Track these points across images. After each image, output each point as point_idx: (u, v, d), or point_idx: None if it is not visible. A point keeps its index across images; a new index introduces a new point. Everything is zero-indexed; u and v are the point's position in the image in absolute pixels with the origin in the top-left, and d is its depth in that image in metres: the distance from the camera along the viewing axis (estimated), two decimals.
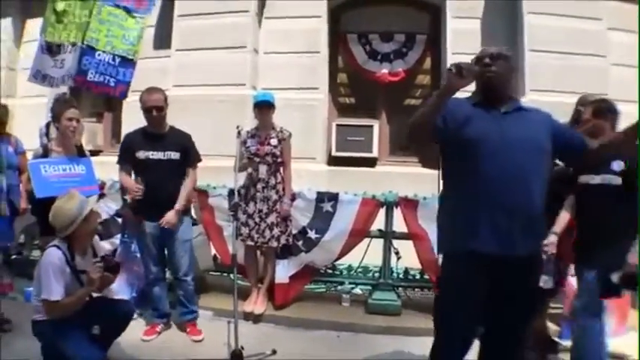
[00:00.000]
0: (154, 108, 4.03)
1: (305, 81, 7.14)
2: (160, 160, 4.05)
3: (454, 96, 2.35)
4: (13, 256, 4.89)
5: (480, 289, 2.38)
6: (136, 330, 3.53)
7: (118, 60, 5.21)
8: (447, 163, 2.56)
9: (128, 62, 5.30)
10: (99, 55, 5.11)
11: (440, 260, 2.65)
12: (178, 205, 4.03)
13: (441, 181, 2.62)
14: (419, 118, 2.43)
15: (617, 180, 3.05)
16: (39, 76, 5.35)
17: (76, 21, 5.23)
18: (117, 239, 4.67)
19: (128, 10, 5.31)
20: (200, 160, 4.32)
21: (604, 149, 2.53)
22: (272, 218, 4.45)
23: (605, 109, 3.28)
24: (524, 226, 2.30)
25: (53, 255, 3.09)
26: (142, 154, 4.05)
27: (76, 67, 5.00)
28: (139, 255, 4.32)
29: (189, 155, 4.19)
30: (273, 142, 4.49)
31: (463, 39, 6.80)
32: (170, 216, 3.99)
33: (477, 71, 2.32)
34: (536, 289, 2.52)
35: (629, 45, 6.50)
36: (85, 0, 5.17)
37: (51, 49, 5.29)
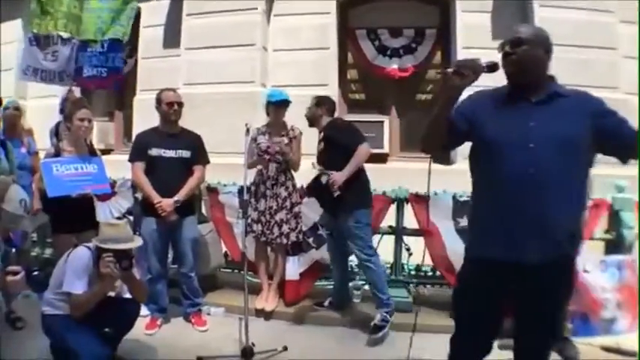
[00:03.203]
0: (176, 103, 4.19)
1: (314, 77, 7.14)
2: (172, 158, 4.16)
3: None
4: (35, 273, 4.92)
5: (494, 293, 2.29)
6: (136, 324, 3.55)
7: (106, 45, 5.21)
8: (472, 163, 2.40)
9: (117, 46, 5.29)
10: (90, 48, 5.13)
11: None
12: (178, 196, 4.08)
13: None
14: (427, 131, 2.36)
15: None
16: (29, 71, 5.33)
17: (63, 10, 5.20)
18: None
19: None
20: (208, 162, 4.40)
21: None
22: (281, 215, 4.46)
23: None
24: (539, 232, 2.12)
25: (84, 253, 3.22)
26: (154, 152, 4.15)
27: (74, 66, 5.01)
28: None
29: (200, 154, 4.30)
30: (285, 140, 4.49)
31: (473, 33, 6.77)
32: (166, 203, 4.03)
33: (478, 67, 2.13)
34: (560, 296, 2.34)
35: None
36: None
37: (39, 41, 5.27)
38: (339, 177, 4.00)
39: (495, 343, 2.50)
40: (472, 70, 2.14)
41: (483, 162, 2.29)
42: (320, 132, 4.43)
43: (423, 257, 4.29)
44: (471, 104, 2.36)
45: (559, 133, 2.11)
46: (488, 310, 2.33)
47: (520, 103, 2.23)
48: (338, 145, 4.17)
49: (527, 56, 2.19)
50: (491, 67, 2.16)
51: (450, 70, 2.17)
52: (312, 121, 4.49)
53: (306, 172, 4.52)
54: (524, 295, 2.29)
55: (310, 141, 4.59)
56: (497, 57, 2.29)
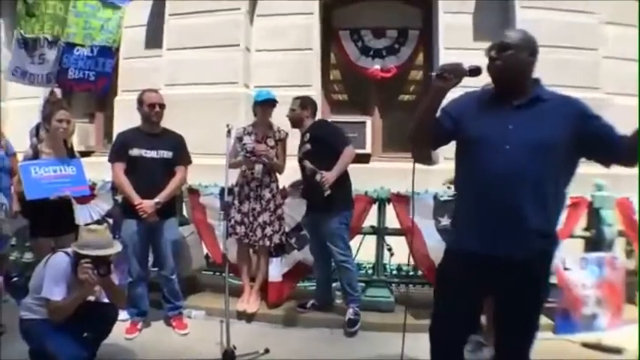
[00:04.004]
0: (158, 104, 4.15)
1: (297, 78, 7.11)
2: (153, 159, 4.12)
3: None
4: (14, 279, 4.85)
5: (469, 284, 2.35)
6: (116, 328, 3.52)
7: (96, 50, 5.18)
8: (456, 161, 2.49)
9: (107, 52, 5.28)
10: (77, 50, 5.09)
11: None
12: (158, 197, 4.04)
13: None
14: (413, 131, 2.45)
15: None
16: (18, 73, 5.31)
17: (49, 12, 5.19)
18: None
19: (103, 1, 5.29)
20: (190, 162, 4.37)
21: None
22: (265, 217, 4.44)
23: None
24: (511, 228, 2.21)
25: (62, 259, 3.19)
26: (135, 152, 4.10)
27: (58, 67, 4.96)
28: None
29: (182, 155, 4.27)
30: (270, 142, 4.49)
31: (455, 34, 6.80)
32: (146, 205, 3.99)
33: (461, 70, 2.23)
34: (535, 292, 2.37)
35: (622, 38, 6.51)
36: None
37: (27, 44, 5.24)
38: (330, 176, 4.04)
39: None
40: (455, 73, 2.23)
41: (465, 161, 2.40)
42: (304, 133, 4.44)
43: (409, 258, 4.31)
44: (458, 105, 2.46)
45: (535, 136, 2.19)
46: (463, 300, 2.40)
47: (502, 106, 2.31)
48: (324, 145, 4.21)
49: (512, 61, 2.26)
50: (474, 71, 2.25)
51: (434, 73, 2.26)
52: (296, 122, 4.51)
53: (287, 172, 4.53)
54: (501, 291, 2.37)
55: (291, 141, 4.60)
56: (479, 57, 2.38)
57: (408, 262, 4.35)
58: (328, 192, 4.03)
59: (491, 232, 2.24)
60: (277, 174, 4.58)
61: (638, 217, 4.62)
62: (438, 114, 2.40)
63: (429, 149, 2.77)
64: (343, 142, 4.27)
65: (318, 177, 4.04)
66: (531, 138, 2.19)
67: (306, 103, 4.51)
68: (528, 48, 2.30)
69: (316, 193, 4.10)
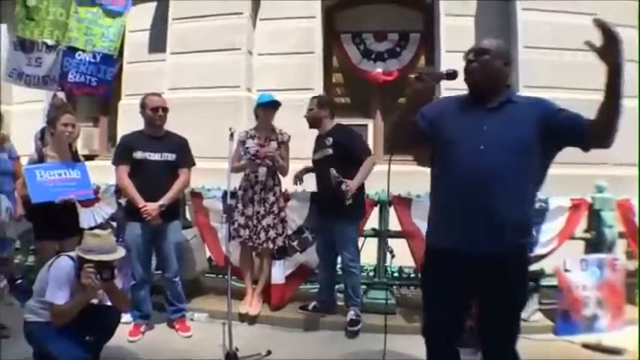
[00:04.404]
0: (161, 108, 4.18)
1: (300, 81, 7.14)
2: (157, 162, 4.14)
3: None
4: (18, 281, 4.89)
5: (449, 282, 2.42)
6: (119, 331, 3.55)
7: (99, 57, 5.23)
8: (433, 162, 2.56)
9: (109, 59, 5.32)
10: (79, 55, 5.13)
11: None
12: (163, 200, 4.06)
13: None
14: (393, 130, 2.58)
15: None
16: (14, 75, 5.34)
17: (50, 18, 5.23)
18: None
19: (104, 8, 5.33)
20: (194, 164, 4.38)
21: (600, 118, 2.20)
22: (268, 220, 4.46)
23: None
24: (485, 225, 2.26)
25: (66, 263, 3.20)
26: (139, 154, 4.11)
27: (59, 71, 5.00)
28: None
29: (186, 157, 4.29)
30: (273, 144, 4.50)
31: (457, 37, 6.80)
32: (151, 207, 4.01)
33: (438, 74, 2.36)
34: (515, 286, 2.43)
35: (623, 40, 6.50)
36: None
37: (24, 45, 5.28)
38: (353, 185, 4.04)
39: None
40: (431, 77, 2.38)
41: (441, 161, 2.46)
42: (324, 135, 4.40)
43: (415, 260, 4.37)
44: (436, 108, 2.56)
45: (507, 137, 2.28)
46: (446, 298, 2.46)
47: (477, 109, 2.40)
48: (346, 152, 4.21)
49: (487, 65, 2.38)
50: (451, 75, 2.35)
51: (412, 76, 2.39)
52: (315, 122, 4.47)
53: (289, 176, 4.55)
54: (479, 289, 2.42)
55: (302, 145, 4.61)
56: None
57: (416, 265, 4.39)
58: (350, 201, 4.02)
59: (466, 229, 2.31)
60: (281, 177, 4.59)
61: (638, 219, 4.63)
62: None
63: (410, 150, 2.93)
64: (366, 151, 4.31)
65: (343, 186, 4.00)
66: (504, 138, 2.28)
67: (324, 102, 4.48)
68: (503, 57, 2.43)
69: (334, 199, 4.07)
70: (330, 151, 4.28)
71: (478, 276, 2.33)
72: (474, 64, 2.39)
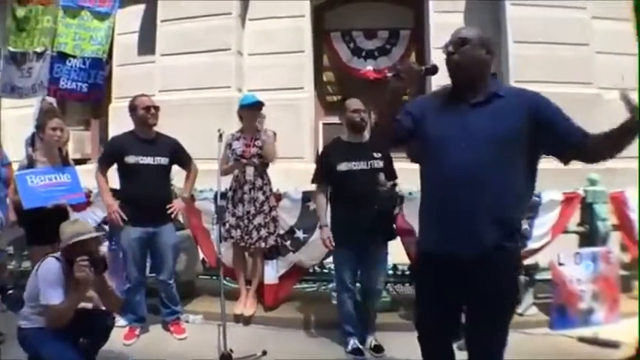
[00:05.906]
0: (153, 107, 4.16)
1: (290, 81, 7.16)
2: (149, 165, 4.10)
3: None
4: (10, 291, 4.85)
5: (439, 283, 2.35)
6: (114, 335, 3.54)
7: (88, 62, 5.22)
8: (419, 160, 2.49)
9: (98, 63, 5.31)
10: (69, 61, 5.12)
11: None
12: (185, 192, 4.33)
13: None
14: (376, 132, 2.53)
15: None
16: (7, 89, 5.36)
17: (39, 27, 5.24)
18: (105, 247, 4.65)
19: (91, 11, 5.32)
20: (191, 159, 4.43)
21: (608, 140, 2.11)
22: (259, 219, 4.44)
23: None
24: (470, 225, 2.19)
25: (52, 264, 3.17)
26: (132, 159, 4.07)
27: (48, 76, 4.98)
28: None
29: (183, 158, 4.35)
30: (259, 143, 4.48)
31: (446, 33, 6.72)
32: (178, 203, 4.22)
33: (416, 70, 2.26)
34: (501, 293, 2.31)
35: (613, 32, 6.53)
36: (46, 5, 5.16)
37: (16, 58, 5.28)
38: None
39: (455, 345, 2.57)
40: (409, 73, 2.25)
41: (426, 159, 2.41)
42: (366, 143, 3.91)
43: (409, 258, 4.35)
44: (419, 104, 2.49)
45: (492, 133, 2.18)
46: (436, 297, 2.41)
47: (460, 104, 2.30)
48: (387, 164, 3.89)
49: (469, 56, 2.25)
50: (431, 70, 2.29)
51: (390, 74, 2.28)
52: (363, 129, 3.99)
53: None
54: (469, 292, 2.32)
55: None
56: None
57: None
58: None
59: (448, 231, 2.24)
60: (269, 176, 4.55)
61: (638, 213, 4.61)
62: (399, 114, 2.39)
63: (390, 147, 2.88)
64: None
65: (397, 210, 3.84)
66: (488, 135, 2.18)
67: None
68: (484, 45, 2.29)
69: (377, 219, 3.70)
70: (381, 163, 3.83)
71: (462, 280, 2.25)
72: (454, 55, 2.26)
